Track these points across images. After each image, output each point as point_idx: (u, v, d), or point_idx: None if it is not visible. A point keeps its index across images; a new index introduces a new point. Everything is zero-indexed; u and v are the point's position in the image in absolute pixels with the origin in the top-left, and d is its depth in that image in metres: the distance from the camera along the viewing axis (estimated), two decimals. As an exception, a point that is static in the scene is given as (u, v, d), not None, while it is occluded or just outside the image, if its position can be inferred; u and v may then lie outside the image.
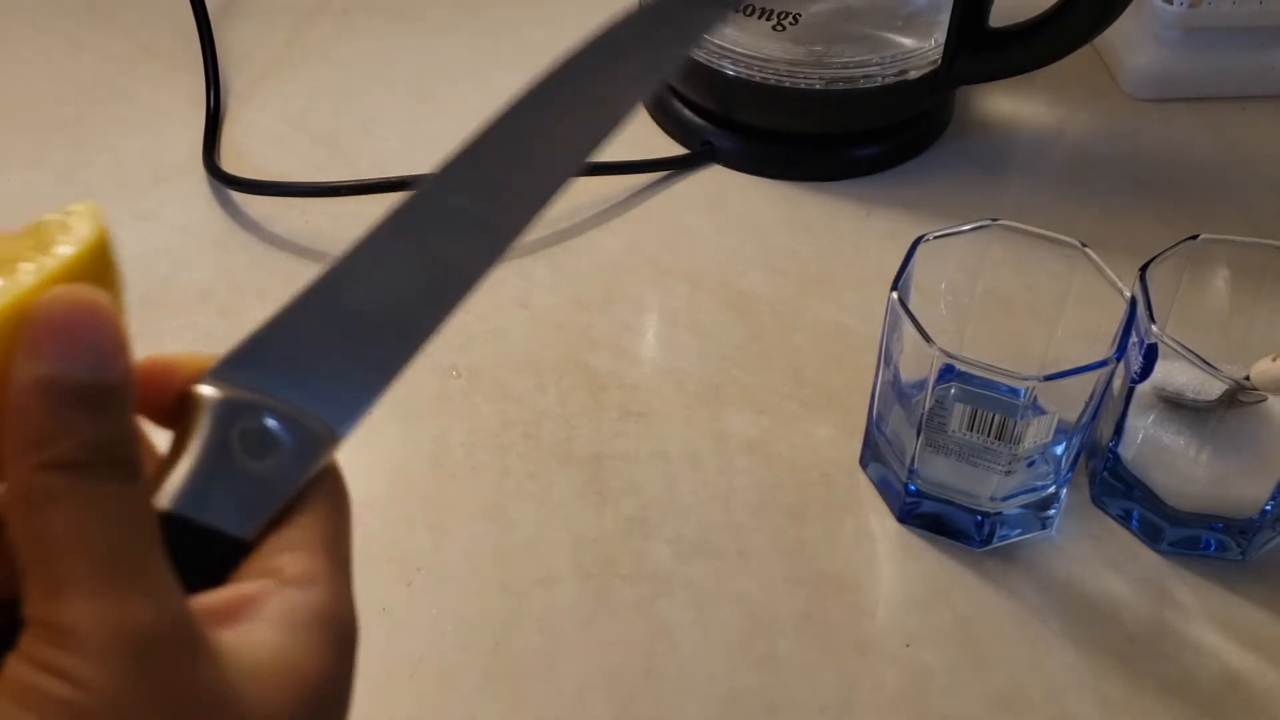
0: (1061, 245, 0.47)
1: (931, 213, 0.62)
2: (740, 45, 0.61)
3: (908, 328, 0.44)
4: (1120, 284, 0.45)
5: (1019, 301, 0.49)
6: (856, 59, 0.61)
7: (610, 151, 0.64)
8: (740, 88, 0.62)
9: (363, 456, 0.51)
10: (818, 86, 0.61)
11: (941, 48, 0.61)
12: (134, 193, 0.62)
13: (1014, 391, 0.43)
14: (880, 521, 0.49)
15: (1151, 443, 0.47)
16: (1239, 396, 0.45)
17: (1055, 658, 0.45)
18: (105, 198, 0.62)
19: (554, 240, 0.60)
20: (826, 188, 0.64)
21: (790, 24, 0.60)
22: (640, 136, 0.66)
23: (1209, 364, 0.44)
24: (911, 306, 0.44)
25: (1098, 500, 0.50)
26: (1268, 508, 0.46)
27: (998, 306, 0.49)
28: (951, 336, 0.48)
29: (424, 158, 0.65)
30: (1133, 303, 0.45)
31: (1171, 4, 0.67)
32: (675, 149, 0.65)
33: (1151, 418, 0.47)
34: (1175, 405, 0.47)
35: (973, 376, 0.44)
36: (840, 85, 0.61)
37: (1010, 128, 0.68)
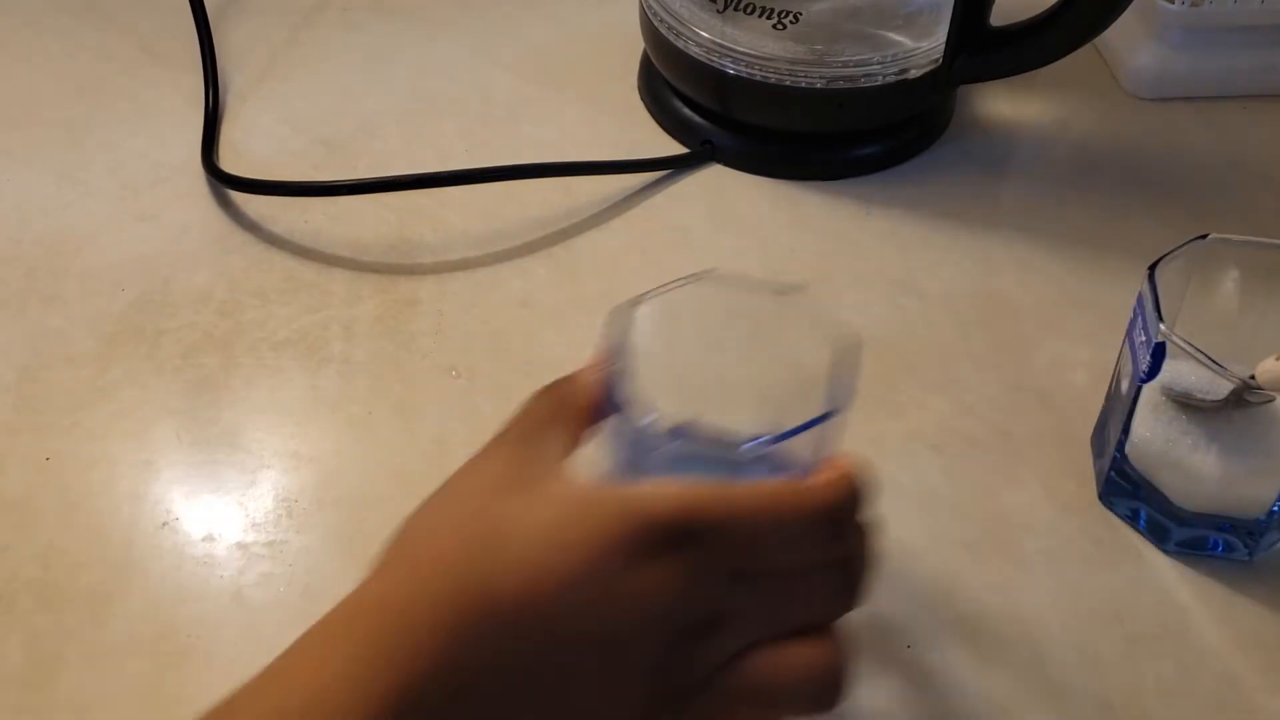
0: (780, 288, 0.41)
1: (931, 212, 0.62)
2: (741, 44, 0.61)
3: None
4: (845, 324, 0.39)
5: (745, 351, 0.44)
6: (857, 58, 0.61)
7: (610, 151, 0.64)
8: (741, 86, 0.62)
9: (363, 456, 0.50)
10: (818, 85, 0.61)
11: (942, 47, 0.61)
12: (134, 193, 0.62)
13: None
14: (882, 520, 0.49)
15: (1159, 442, 0.47)
16: (1246, 397, 0.45)
17: (1055, 658, 0.45)
18: (105, 198, 0.62)
19: (554, 240, 0.60)
20: (826, 187, 0.64)
21: (791, 23, 0.60)
22: (640, 136, 0.66)
23: (1217, 363, 0.43)
24: (632, 374, 0.39)
25: (1105, 499, 0.49)
26: (1275, 508, 0.46)
27: (726, 359, 0.44)
28: (681, 396, 0.43)
29: (424, 157, 0.65)
30: (1140, 301, 0.45)
31: (1173, 3, 0.67)
32: (675, 148, 0.65)
33: (1159, 417, 0.47)
34: (1183, 405, 0.46)
35: (696, 436, 0.42)
36: (841, 84, 0.61)
37: (1010, 128, 0.68)
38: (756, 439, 0.40)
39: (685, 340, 0.42)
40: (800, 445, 0.37)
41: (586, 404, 0.38)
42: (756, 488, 0.35)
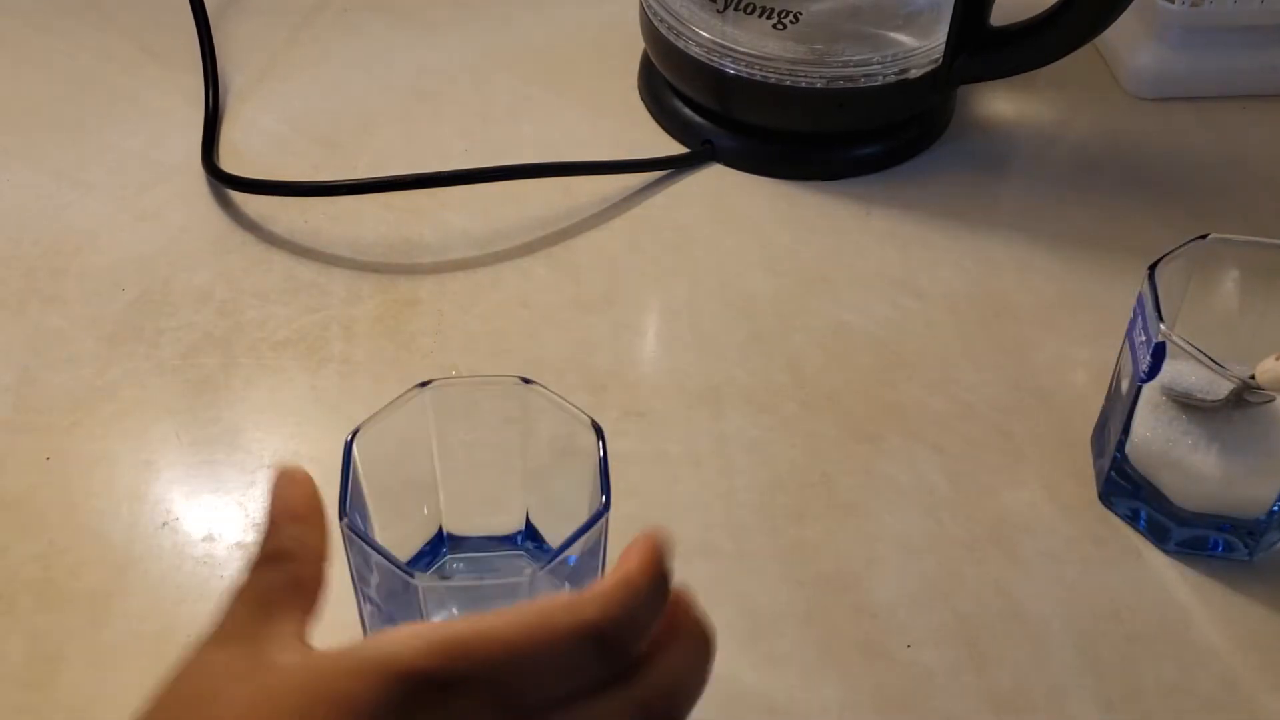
0: (506, 384, 0.40)
1: (931, 213, 0.62)
2: (741, 44, 0.61)
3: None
4: (577, 409, 0.38)
5: (484, 455, 0.42)
6: (857, 58, 0.61)
7: (611, 151, 0.64)
8: (741, 86, 0.62)
9: (362, 457, 0.50)
10: (818, 85, 0.61)
11: (942, 47, 0.61)
12: (134, 193, 0.62)
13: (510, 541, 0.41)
14: (882, 520, 0.49)
15: (1159, 442, 0.47)
16: (1246, 397, 0.45)
17: (1055, 658, 0.45)
18: (105, 198, 0.62)
19: (554, 240, 0.60)
20: (826, 187, 0.64)
21: (791, 22, 0.60)
22: (640, 136, 0.66)
23: (1217, 363, 0.43)
24: (366, 511, 0.38)
25: (1105, 499, 0.49)
26: (1275, 508, 0.46)
27: (465, 464, 0.43)
28: (429, 509, 0.43)
29: (423, 157, 0.65)
30: (1140, 301, 0.45)
31: (1173, 3, 0.67)
32: (675, 148, 0.65)
33: (1159, 417, 0.47)
34: (1183, 405, 0.46)
35: (468, 539, 0.42)
36: (841, 84, 0.61)
37: (1010, 128, 0.68)
38: (529, 549, 0.39)
39: (422, 452, 0.40)
40: (575, 549, 0.34)
41: (316, 562, 0.33)
42: (517, 615, 0.30)
